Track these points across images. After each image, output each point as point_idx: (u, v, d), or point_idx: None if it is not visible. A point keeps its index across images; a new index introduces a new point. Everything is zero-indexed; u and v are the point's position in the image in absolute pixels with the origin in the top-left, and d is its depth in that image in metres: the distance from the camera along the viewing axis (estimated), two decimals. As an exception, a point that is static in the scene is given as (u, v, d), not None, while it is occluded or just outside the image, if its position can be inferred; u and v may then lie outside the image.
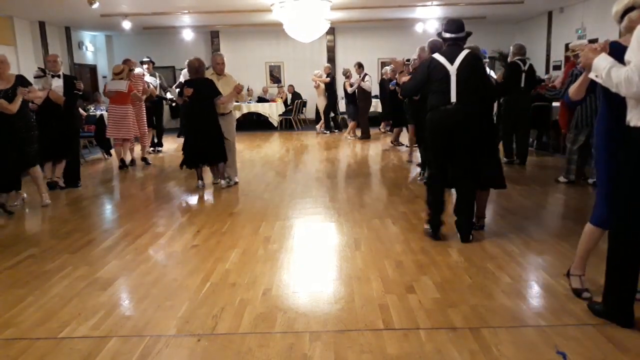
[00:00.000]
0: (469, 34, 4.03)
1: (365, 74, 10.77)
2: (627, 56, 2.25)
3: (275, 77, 14.89)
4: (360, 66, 10.86)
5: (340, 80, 12.00)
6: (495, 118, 7.50)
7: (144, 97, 8.40)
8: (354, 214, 4.92)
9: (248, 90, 12.87)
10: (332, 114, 12.30)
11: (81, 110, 8.51)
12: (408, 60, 7.06)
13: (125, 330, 2.67)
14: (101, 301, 3.04)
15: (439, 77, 3.87)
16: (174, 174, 7.55)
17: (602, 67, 2.33)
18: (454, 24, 3.98)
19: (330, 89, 11.72)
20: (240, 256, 3.80)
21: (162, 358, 2.41)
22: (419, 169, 6.81)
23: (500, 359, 2.31)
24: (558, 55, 11.76)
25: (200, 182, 6.33)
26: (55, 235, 4.54)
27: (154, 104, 9.35)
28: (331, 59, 14.32)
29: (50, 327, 2.73)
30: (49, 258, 3.85)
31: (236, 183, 6.49)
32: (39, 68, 6.33)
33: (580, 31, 10.67)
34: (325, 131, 12.10)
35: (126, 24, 11.31)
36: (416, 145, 7.12)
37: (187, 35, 13.68)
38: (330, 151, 9.55)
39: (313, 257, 3.78)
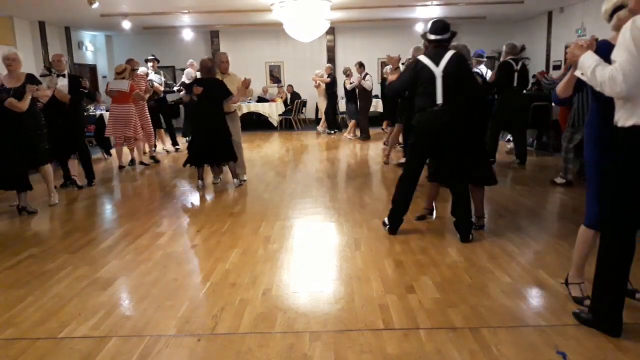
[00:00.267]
0: (453, 35, 4.06)
1: (366, 74, 10.76)
2: (613, 55, 2.25)
3: (275, 77, 14.90)
4: (361, 65, 10.83)
5: (340, 80, 11.98)
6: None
7: (147, 96, 8.40)
8: (354, 214, 4.92)
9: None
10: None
11: None
12: (404, 63, 7.08)
13: (125, 330, 2.67)
14: (101, 301, 3.04)
15: (425, 79, 3.92)
16: (175, 174, 7.56)
17: (587, 66, 2.32)
18: (438, 25, 4.01)
19: (330, 89, 11.70)
20: (240, 256, 3.80)
21: (162, 358, 2.41)
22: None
23: (500, 359, 2.31)
24: (558, 55, 11.76)
25: (200, 181, 6.33)
26: (55, 235, 4.54)
27: (159, 103, 9.35)
28: (331, 59, 14.32)
29: (50, 327, 2.73)
30: (49, 258, 3.85)
31: (245, 181, 6.50)
32: (44, 67, 6.35)
33: (580, 31, 10.67)
34: (329, 131, 12.05)
35: (126, 24, 11.32)
36: (402, 145, 7.09)
37: (187, 35, 13.68)
38: (331, 151, 9.55)
39: (313, 257, 3.78)
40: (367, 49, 14.06)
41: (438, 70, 3.88)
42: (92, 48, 13.99)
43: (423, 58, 3.97)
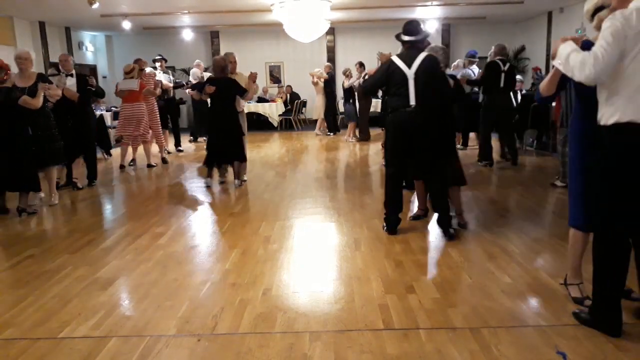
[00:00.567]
0: (426, 36, 4.16)
1: (366, 73, 10.72)
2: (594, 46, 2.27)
3: (275, 77, 14.90)
4: (361, 65, 10.75)
5: (340, 80, 11.95)
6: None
7: (158, 90, 8.40)
8: (354, 214, 4.92)
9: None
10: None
11: None
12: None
13: (125, 330, 2.67)
14: (101, 301, 3.04)
15: (397, 80, 3.98)
16: (176, 175, 7.56)
17: (564, 54, 2.34)
18: (411, 27, 4.07)
19: (328, 87, 11.55)
20: (240, 256, 3.80)
21: (162, 358, 2.41)
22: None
23: (500, 359, 2.31)
24: (558, 55, 11.74)
25: (209, 179, 6.37)
26: (55, 235, 4.54)
27: (168, 103, 9.34)
28: (331, 59, 14.31)
29: (50, 327, 2.73)
30: (49, 258, 3.85)
31: (245, 181, 6.53)
32: (53, 66, 6.37)
33: (580, 31, 10.66)
34: (329, 133, 11.91)
35: (126, 24, 11.32)
36: None
37: (187, 35, 13.68)
38: (331, 151, 9.55)
39: (313, 257, 3.78)
40: (367, 49, 14.00)
41: (410, 72, 3.94)
42: (92, 48, 13.99)
43: (396, 59, 4.03)
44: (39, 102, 5.04)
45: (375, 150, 9.40)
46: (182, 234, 4.43)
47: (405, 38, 4.06)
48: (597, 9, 2.65)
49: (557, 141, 6.09)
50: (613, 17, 2.23)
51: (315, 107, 12.25)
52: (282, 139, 11.79)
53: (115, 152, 8.69)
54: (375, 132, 11.70)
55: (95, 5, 8.46)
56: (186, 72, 13.51)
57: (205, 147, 6.40)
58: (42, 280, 3.39)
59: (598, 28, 2.52)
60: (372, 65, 13.77)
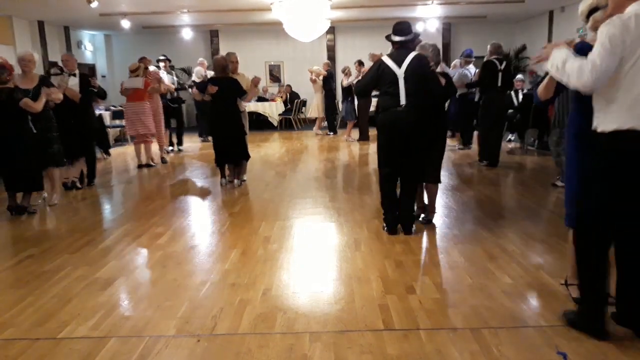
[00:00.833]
0: (417, 35, 4.18)
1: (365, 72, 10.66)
2: (591, 53, 2.24)
3: (275, 76, 14.89)
4: (360, 64, 10.63)
5: (339, 79, 11.90)
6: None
7: (163, 87, 8.42)
8: (354, 214, 4.92)
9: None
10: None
11: None
12: None
13: (124, 330, 2.67)
14: (100, 301, 3.04)
15: (388, 80, 4.01)
16: (177, 175, 7.56)
17: (558, 59, 2.30)
18: (401, 27, 4.11)
19: (327, 85, 11.42)
20: (240, 256, 3.79)
21: (161, 358, 2.40)
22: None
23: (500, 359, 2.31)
24: (558, 54, 11.74)
25: (223, 179, 6.38)
26: (55, 235, 4.54)
27: (173, 103, 9.34)
28: (331, 58, 14.29)
29: (50, 327, 2.72)
30: (48, 258, 3.84)
31: (244, 181, 6.54)
32: (56, 66, 6.36)
33: (581, 30, 10.64)
34: (329, 132, 11.79)
35: (125, 23, 11.30)
36: None
37: (187, 34, 13.67)
38: (331, 151, 9.54)
39: (313, 257, 3.77)
40: (367, 49, 13.91)
41: (400, 71, 3.98)
42: (91, 48, 13.98)
43: (386, 59, 4.08)
44: (40, 106, 5.03)
45: (374, 150, 9.37)
46: (182, 234, 4.42)
47: (396, 38, 4.10)
48: (592, 10, 2.63)
49: (549, 142, 6.08)
50: (611, 23, 2.19)
51: (312, 105, 12.13)
52: (282, 138, 11.78)
53: (117, 151, 8.66)
54: (375, 132, 11.63)
55: (94, 4, 8.46)
56: (186, 71, 13.51)
57: (213, 147, 6.40)
58: (42, 280, 3.39)
59: (594, 29, 2.51)
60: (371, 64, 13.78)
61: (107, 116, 10.09)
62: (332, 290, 3.13)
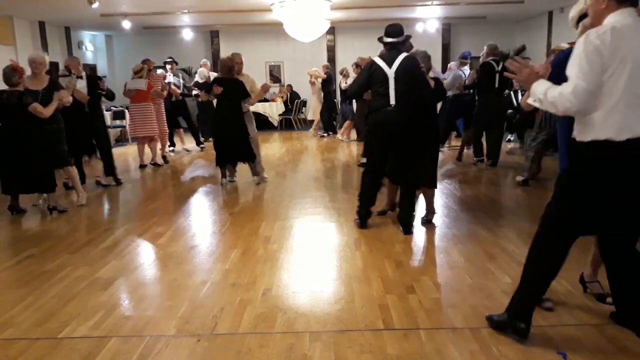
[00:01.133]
0: (408, 38, 4.27)
1: None
2: (567, 70, 2.22)
3: (275, 76, 14.89)
4: (357, 66, 10.66)
5: (338, 80, 11.87)
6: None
7: (165, 93, 8.45)
8: (354, 214, 4.90)
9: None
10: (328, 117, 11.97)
11: None
12: None
13: (125, 330, 2.67)
14: (101, 301, 3.04)
15: (379, 80, 4.09)
16: (178, 175, 7.56)
17: (540, 92, 2.27)
18: (392, 29, 4.19)
19: (326, 88, 11.39)
20: (240, 256, 3.79)
21: (161, 358, 2.41)
22: None
23: (500, 359, 2.31)
24: (558, 55, 11.74)
25: (224, 179, 6.40)
26: (55, 235, 4.54)
27: (177, 104, 9.34)
28: (331, 59, 14.30)
29: (50, 327, 2.73)
30: (48, 258, 3.84)
31: (266, 178, 6.61)
32: (65, 67, 6.38)
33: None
34: (323, 134, 11.71)
35: (126, 24, 11.31)
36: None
37: (187, 35, 13.67)
38: (331, 151, 9.54)
39: (313, 257, 3.78)
40: (367, 49, 13.91)
41: (391, 71, 4.06)
42: (92, 48, 13.98)
43: (377, 59, 4.16)
44: (49, 112, 5.00)
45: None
46: (182, 234, 4.42)
47: (387, 39, 4.20)
48: (582, 16, 2.62)
49: (526, 136, 6.14)
50: (587, 39, 2.16)
51: (310, 107, 12.15)
52: (282, 138, 11.78)
53: (118, 151, 8.62)
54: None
55: (95, 5, 8.46)
56: (186, 71, 13.51)
57: (213, 147, 6.41)
58: (42, 280, 3.39)
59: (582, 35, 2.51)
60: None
61: (107, 116, 10.08)
62: (332, 290, 3.13)
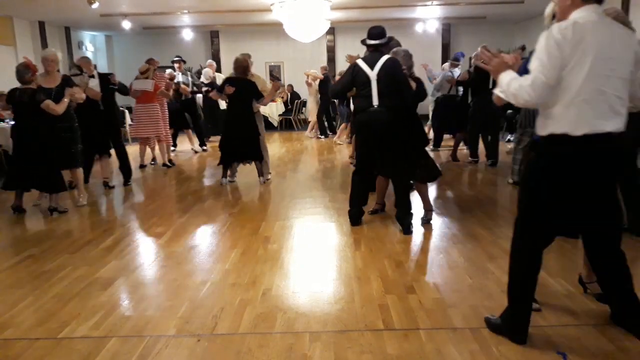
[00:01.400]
0: (390, 39, 4.38)
1: None
2: (530, 63, 2.24)
3: (275, 77, 14.88)
4: None
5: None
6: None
7: (171, 92, 8.43)
8: (354, 214, 4.91)
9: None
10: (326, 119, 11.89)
11: None
12: None
13: (125, 330, 2.67)
14: (101, 301, 3.04)
15: (361, 82, 4.21)
16: (179, 174, 7.56)
17: (504, 82, 2.30)
18: (374, 31, 4.29)
19: (324, 89, 11.34)
20: (240, 256, 3.79)
21: (161, 358, 2.41)
22: None
23: (500, 359, 2.31)
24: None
25: (224, 179, 6.42)
26: (55, 235, 4.54)
27: (187, 103, 9.34)
28: (331, 59, 14.31)
29: (50, 327, 2.73)
30: (48, 258, 3.84)
31: (269, 179, 6.62)
32: (76, 66, 6.38)
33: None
34: (320, 136, 11.61)
35: (126, 24, 11.32)
36: None
37: (187, 35, 13.68)
38: (330, 152, 9.54)
39: (313, 257, 3.78)
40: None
41: (373, 73, 4.15)
42: (92, 48, 13.99)
43: (360, 62, 4.28)
44: (62, 108, 5.00)
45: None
46: (182, 234, 4.42)
47: (369, 42, 4.29)
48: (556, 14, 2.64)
49: (513, 139, 6.15)
50: (548, 34, 2.18)
51: (307, 109, 12.06)
52: (282, 138, 11.78)
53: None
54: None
55: (95, 5, 8.46)
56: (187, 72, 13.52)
57: (219, 146, 6.41)
58: (42, 280, 3.39)
59: None
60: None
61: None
62: (332, 290, 3.13)
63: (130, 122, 9.36)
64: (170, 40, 14.04)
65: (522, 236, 2.44)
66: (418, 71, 4.73)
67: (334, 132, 11.74)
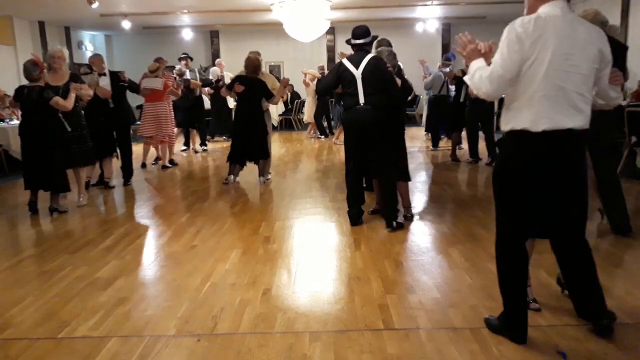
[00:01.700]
0: (374, 39, 4.46)
1: None
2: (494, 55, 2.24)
3: (275, 76, 14.86)
4: None
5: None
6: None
7: (179, 91, 8.42)
8: (354, 213, 4.91)
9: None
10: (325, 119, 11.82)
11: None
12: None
13: (124, 330, 2.67)
14: (101, 301, 3.04)
15: (347, 81, 4.28)
16: (179, 174, 7.56)
17: (471, 71, 2.30)
18: (359, 31, 4.35)
19: None
20: (240, 256, 3.79)
21: (161, 358, 2.41)
22: None
23: (500, 359, 2.31)
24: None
25: (230, 177, 6.42)
26: (55, 235, 4.54)
27: (195, 102, 9.30)
28: (331, 59, 14.29)
29: (50, 327, 2.72)
30: (48, 258, 3.84)
31: (269, 179, 6.63)
32: (86, 65, 6.38)
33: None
34: (319, 136, 11.60)
35: (126, 24, 11.32)
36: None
37: (187, 34, 13.68)
38: (330, 152, 9.54)
39: (313, 257, 3.78)
40: (367, 49, 14.01)
41: (358, 72, 4.22)
42: (91, 48, 13.97)
43: (345, 61, 4.34)
44: (70, 104, 4.98)
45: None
46: (182, 234, 4.42)
47: (354, 41, 4.34)
48: None
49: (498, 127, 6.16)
50: (511, 27, 2.18)
51: (306, 109, 11.90)
52: (281, 138, 11.78)
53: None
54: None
55: (95, 5, 8.47)
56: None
57: (231, 145, 6.43)
58: (42, 280, 3.39)
59: None
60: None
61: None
62: (332, 290, 3.13)
63: (138, 122, 9.35)
64: (170, 40, 14.04)
65: (501, 233, 2.44)
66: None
67: (332, 132, 11.75)
